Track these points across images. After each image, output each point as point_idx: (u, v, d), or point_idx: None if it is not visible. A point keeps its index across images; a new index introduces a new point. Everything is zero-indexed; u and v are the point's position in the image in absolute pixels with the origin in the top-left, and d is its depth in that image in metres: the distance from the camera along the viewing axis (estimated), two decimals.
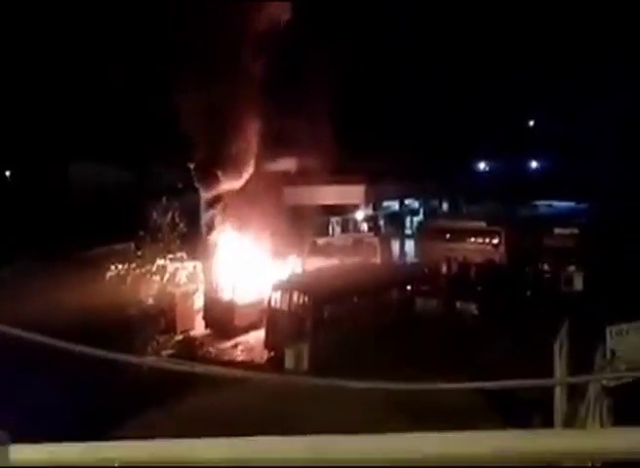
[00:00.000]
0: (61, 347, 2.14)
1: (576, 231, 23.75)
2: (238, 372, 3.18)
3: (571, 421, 8.01)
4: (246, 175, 23.74)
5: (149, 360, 14.65)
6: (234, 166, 23.38)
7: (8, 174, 35.65)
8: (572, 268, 21.38)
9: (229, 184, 23.52)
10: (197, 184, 23.72)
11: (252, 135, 23.37)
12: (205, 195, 24.30)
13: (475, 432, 1.41)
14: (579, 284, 20.83)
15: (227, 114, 22.43)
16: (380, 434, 1.45)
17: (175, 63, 22.12)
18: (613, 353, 9.34)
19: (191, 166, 24.13)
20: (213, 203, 24.13)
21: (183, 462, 1.49)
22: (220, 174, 23.07)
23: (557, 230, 23.96)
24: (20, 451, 1.48)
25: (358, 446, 1.46)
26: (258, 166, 24.23)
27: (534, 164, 42.93)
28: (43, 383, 12.59)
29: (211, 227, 23.79)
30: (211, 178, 23.22)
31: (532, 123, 43.11)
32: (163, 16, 22.06)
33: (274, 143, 24.22)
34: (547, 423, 8.01)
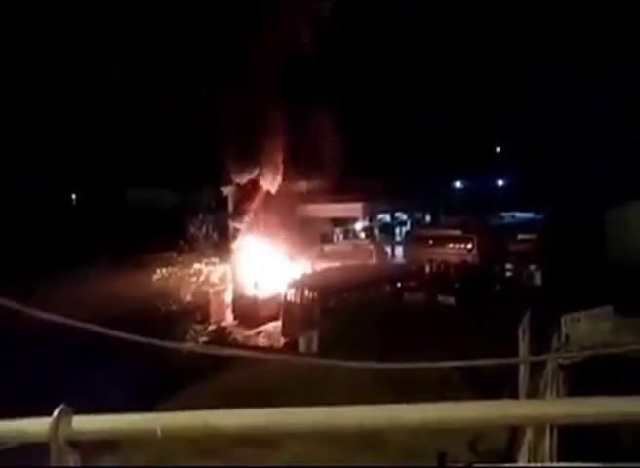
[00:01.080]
0: (114, 335, 2.15)
1: (534, 236, 23.58)
2: (260, 354, 3.07)
3: (532, 394, 7.82)
4: (270, 190, 23.73)
5: (188, 346, 14.58)
6: (260, 187, 23.42)
7: (74, 197, 35.74)
8: (532, 267, 21.16)
9: (255, 203, 23.55)
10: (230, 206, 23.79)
11: (276, 160, 23.34)
12: (233, 212, 24.28)
13: (450, 402, 1.38)
14: (538, 279, 20.61)
15: (255, 142, 22.35)
16: (370, 405, 1.41)
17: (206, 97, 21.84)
18: (567, 337, 9.16)
19: (225, 189, 24.22)
20: (239, 217, 24.08)
21: (216, 431, 1.46)
22: (246, 203, 23.16)
23: (520, 236, 23.79)
24: (81, 422, 1.47)
25: (355, 415, 1.43)
26: (277, 187, 24.23)
27: (500, 182, 42.88)
28: (99, 366, 12.50)
29: (237, 237, 23.72)
30: (240, 202, 23.31)
31: (498, 149, 43.01)
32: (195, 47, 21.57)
33: (291, 166, 24.22)
34: (513, 396, 7.83)
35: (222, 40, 21.39)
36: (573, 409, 1.36)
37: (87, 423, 1.48)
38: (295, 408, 1.43)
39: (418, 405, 1.38)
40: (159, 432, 1.44)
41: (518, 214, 29.41)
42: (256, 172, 22.99)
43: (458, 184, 42.54)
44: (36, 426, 1.47)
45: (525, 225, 26.15)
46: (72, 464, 1.45)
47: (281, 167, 23.57)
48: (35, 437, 1.47)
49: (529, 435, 6.01)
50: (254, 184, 23.36)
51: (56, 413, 1.44)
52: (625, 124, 30.05)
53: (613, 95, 30.01)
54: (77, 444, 1.46)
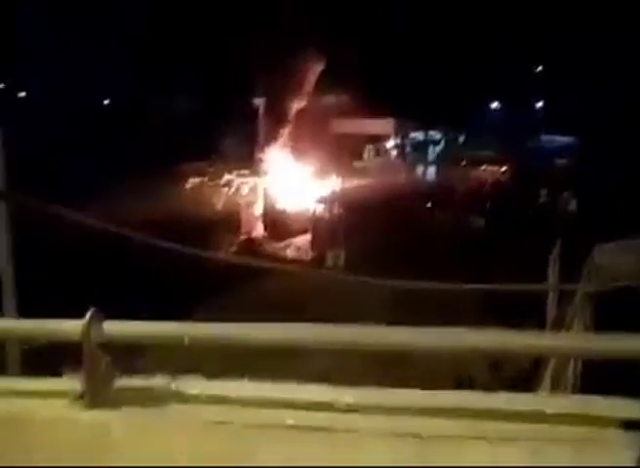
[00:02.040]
0: (147, 242, 2.35)
1: (572, 162, 22.91)
2: (289, 267, 3.08)
3: (559, 323, 7.81)
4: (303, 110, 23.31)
5: (218, 255, 14.83)
6: (296, 96, 22.94)
7: (107, 102, 35.30)
8: (568, 193, 20.67)
9: (289, 113, 23.17)
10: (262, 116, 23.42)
11: (310, 72, 22.78)
12: (268, 122, 23.93)
13: (474, 329, 1.40)
14: (573, 205, 20.16)
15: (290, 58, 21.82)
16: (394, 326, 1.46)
17: None
18: (599, 267, 9.01)
19: (256, 100, 23.77)
20: (274, 129, 23.74)
21: (239, 341, 1.53)
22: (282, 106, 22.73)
23: (557, 160, 23.15)
24: (112, 327, 1.51)
25: (379, 335, 1.47)
26: (310, 99, 23.72)
27: (540, 104, 41.09)
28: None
29: (269, 150, 23.53)
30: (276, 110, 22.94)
31: (540, 68, 40.91)
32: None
33: (326, 81, 23.63)
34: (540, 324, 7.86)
35: None
36: (597, 344, 1.37)
37: (117, 327, 1.52)
38: (318, 324, 1.46)
39: (442, 329, 1.40)
40: (186, 340, 1.49)
41: (557, 138, 28.44)
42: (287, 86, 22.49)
43: (495, 104, 40.96)
44: (70, 327, 1.51)
45: (563, 150, 25.36)
46: (103, 366, 1.49)
47: (313, 81, 22.97)
48: (68, 337, 1.52)
49: (552, 363, 6.06)
50: (285, 98, 22.87)
51: (88, 316, 1.48)
52: None
53: None
54: (108, 347, 1.51)
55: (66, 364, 1.61)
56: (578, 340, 1.58)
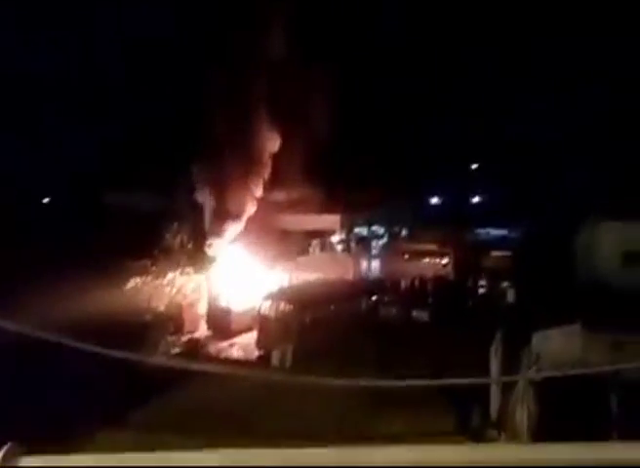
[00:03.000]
0: (84, 348, 2.02)
1: (508, 253, 23.88)
2: (230, 370, 3.04)
3: (504, 411, 7.90)
4: (248, 207, 23.74)
5: (157, 359, 14.36)
6: (238, 199, 23.39)
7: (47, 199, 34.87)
8: (505, 283, 21.42)
9: (234, 215, 23.54)
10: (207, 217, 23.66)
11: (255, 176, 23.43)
12: (210, 220, 24.15)
13: (421, 446, 1.37)
14: (511, 296, 20.82)
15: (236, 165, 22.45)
16: (343, 447, 1.41)
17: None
18: (537, 355, 9.26)
19: (202, 198, 24.08)
20: (220, 225, 23.91)
21: None
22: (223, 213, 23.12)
23: (494, 253, 24.09)
24: (31, 462, 1.36)
25: (330, 457, 1.39)
26: (255, 197, 24.22)
27: (475, 199, 43.29)
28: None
29: (213, 247, 23.57)
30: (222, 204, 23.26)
31: (474, 166, 43.50)
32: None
33: (271, 177, 24.26)
34: (484, 413, 7.89)
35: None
36: (539, 456, 1.35)
37: (37, 464, 1.36)
38: (256, 449, 1.39)
39: (389, 448, 1.38)
40: None
41: (493, 231, 29.78)
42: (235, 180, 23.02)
43: (434, 200, 42.93)
44: None
45: (499, 242, 26.50)
46: None
47: (263, 177, 23.62)
48: None
49: None
50: (231, 192, 23.32)
51: (1, 454, 1.33)
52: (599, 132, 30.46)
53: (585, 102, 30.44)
54: None
55: None
56: (525, 451, 1.50)
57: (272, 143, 23.80)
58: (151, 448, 1.48)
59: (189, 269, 22.90)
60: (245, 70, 22.15)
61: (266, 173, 24.20)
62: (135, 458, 1.41)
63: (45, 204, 34.28)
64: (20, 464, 1.34)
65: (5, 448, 1.34)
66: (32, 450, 1.38)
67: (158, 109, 25.22)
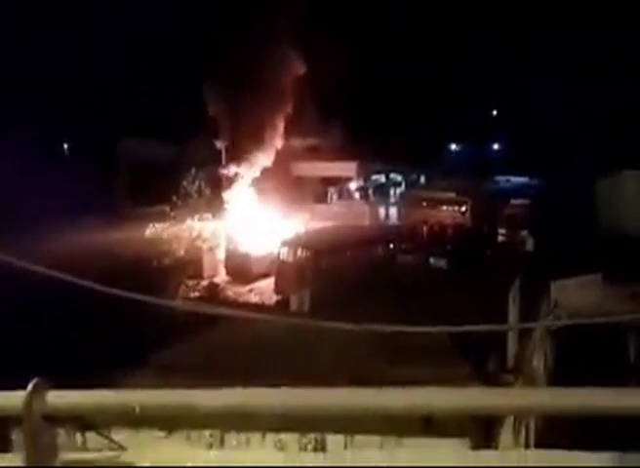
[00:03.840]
0: (106, 291, 2.06)
1: (527, 202, 23.59)
2: (250, 314, 3.10)
3: (520, 359, 8.01)
4: (265, 153, 23.67)
5: (178, 303, 14.66)
6: (256, 145, 23.28)
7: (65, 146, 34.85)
8: (525, 232, 21.25)
9: (251, 161, 23.47)
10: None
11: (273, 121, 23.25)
12: (228, 168, 24.13)
13: (432, 388, 1.40)
14: (530, 245, 20.70)
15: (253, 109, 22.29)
16: (355, 388, 1.43)
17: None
18: (555, 303, 9.31)
19: (218, 143, 23.96)
20: (235, 175, 23.93)
21: (194, 410, 1.43)
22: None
23: (513, 201, 23.81)
24: (56, 397, 1.41)
25: (344, 398, 1.41)
26: (272, 144, 24.08)
27: (496, 146, 42.53)
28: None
29: (231, 194, 23.64)
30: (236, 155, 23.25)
31: (495, 112, 42.51)
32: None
33: (288, 125, 24.05)
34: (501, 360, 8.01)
35: None
36: (555, 401, 1.34)
37: (63, 398, 1.41)
38: (274, 388, 1.41)
39: (396, 390, 1.38)
40: (137, 409, 1.41)
41: (513, 179, 29.37)
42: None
43: (453, 147, 42.24)
44: (9, 400, 1.39)
45: (519, 190, 26.15)
46: (47, 441, 1.37)
47: (277, 124, 23.41)
48: (7, 411, 1.40)
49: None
50: (248, 141, 23.18)
51: (30, 387, 1.37)
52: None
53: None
54: (54, 419, 1.39)
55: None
56: (536, 396, 1.48)
57: (290, 89, 23.43)
58: (172, 388, 1.53)
59: (207, 215, 23.05)
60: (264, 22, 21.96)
61: (285, 119, 23.94)
62: (156, 395, 1.46)
63: (65, 151, 34.30)
64: (47, 398, 1.39)
65: (33, 381, 1.39)
66: (58, 386, 1.44)
67: (177, 53, 24.84)
